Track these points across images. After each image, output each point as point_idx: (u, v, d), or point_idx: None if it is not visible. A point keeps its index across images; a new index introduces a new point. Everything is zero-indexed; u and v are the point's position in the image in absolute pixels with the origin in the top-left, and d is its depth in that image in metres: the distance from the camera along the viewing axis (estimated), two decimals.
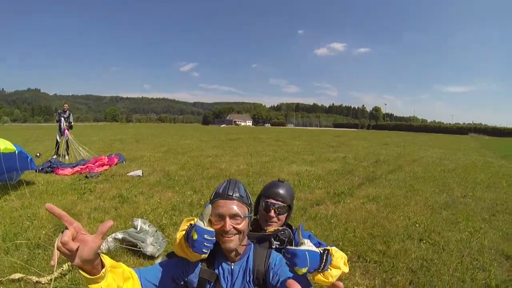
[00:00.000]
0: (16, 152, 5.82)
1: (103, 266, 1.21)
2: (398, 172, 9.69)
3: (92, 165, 8.95)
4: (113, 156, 10.29)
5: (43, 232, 4.19)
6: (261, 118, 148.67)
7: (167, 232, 4.38)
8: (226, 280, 1.71)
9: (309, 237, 2.10)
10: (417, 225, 4.85)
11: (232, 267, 1.72)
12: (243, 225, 1.59)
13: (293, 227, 2.16)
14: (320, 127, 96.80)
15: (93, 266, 1.15)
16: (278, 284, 1.58)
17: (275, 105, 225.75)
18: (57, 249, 1.06)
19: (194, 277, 1.70)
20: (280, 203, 2.10)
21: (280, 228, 2.07)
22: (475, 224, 4.90)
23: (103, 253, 3.23)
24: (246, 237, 1.71)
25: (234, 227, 1.56)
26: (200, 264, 1.71)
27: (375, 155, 13.88)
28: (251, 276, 1.68)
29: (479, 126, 70.46)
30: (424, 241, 4.24)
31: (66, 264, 3.23)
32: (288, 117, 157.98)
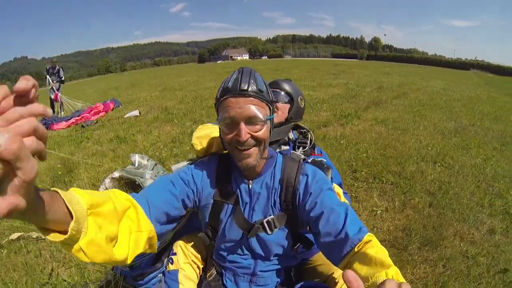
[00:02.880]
0: None
1: (70, 214, 0.68)
2: (403, 98, 9.40)
3: (87, 114, 8.57)
4: (108, 102, 9.85)
5: (40, 186, 3.89)
6: (258, 52, 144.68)
7: (168, 165, 4.12)
8: (243, 203, 1.28)
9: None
10: (429, 148, 4.67)
11: (250, 185, 1.26)
12: (263, 132, 1.10)
13: (310, 133, 1.85)
14: (319, 57, 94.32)
15: (52, 215, 0.64)
16: (321, 221, 1.10)
17: (271, 38, 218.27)
18: None
19: (209, 199, 1.28)
20: (279, 91, 1.88)
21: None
22: (487, 151, 4.71)
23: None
24: (267, 149, 1.25)
25: (252, 135, 1.08)
26: (215, 181, 1.27)
27: (377, 82, 13.45)
28: (278, 199, 1.25)
29: (482, 63, 68.27)
30: (439, 164, 4.07)
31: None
32: (285, 48, 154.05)
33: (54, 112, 10.23)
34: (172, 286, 1.42)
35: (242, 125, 1.06)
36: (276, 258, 1.36)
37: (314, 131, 5.39)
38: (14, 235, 2.76)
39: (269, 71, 20.59)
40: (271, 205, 1.26)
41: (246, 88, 1.08)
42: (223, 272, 1.44)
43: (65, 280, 2.17)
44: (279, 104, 1.85)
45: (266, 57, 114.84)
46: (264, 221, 1.24)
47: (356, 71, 20.15)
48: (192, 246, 1.53)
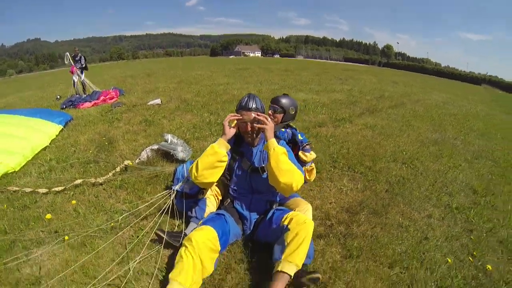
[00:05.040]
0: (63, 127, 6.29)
1: None
2: (399, 108, 10.06)
3: (104, 98, 9.64)
4: (115, 89, 10.84)
5: (90, 151, 4.85)
6: (270, 50, 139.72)
7: (192, 144, 5.12)
8: (248, 157, 2.47)
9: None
10: (404, 152, 5.38)
11: (252, 150, 2.49)
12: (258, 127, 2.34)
13: (296, 130, 3.24)
14: (330, 60, 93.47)
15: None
16: None
17: (284, 37, 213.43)
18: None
19: (229, 158, 2.45)
20: (276, 106, 3.13)
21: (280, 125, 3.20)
22: (456, 161, 5.31)
23: (142, 161, 4.19)
24: (261, 132, 2.44)
25: (252, 128, 2.37)
26: (232, 148, 2.44)
27: (380, 91, 14.00)
28: (266, 155, 2.40)
29: (494, 79, 66.22)
30: (406, 165, 4.82)
31: (118, 167, 3.94)
32: (298, 49, 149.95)
33: (77, 93, 11.26)
34: (202, 207, 2.64)
35: (249, 124, 2.36)
36: (265, 193, 2.54)
37: (309, 129, 6.31)
38: (78, 181, 3.61)
39: (279, 71, 21.20)
40: (263, 160, 2.46)
41: (250, 106, 2.35)
42: (234, 200, 2.61)
43: (124, 210, 3.13)
44: (276, 114, 3.13)
45: (278, 55, 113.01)
46: (259, 167, 2.43)
47: (364, 78, 20.66)
48: (215, 185, 2.73)
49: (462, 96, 19.44)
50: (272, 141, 2.29)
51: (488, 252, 2.94)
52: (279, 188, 2.30)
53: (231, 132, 2.34)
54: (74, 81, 11.63)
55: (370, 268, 2.47)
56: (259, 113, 2.35)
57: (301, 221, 2.13)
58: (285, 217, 2.25)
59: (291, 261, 2.02)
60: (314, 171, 3.26)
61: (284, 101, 3.16)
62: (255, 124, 2.33)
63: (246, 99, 2.40)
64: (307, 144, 3.10)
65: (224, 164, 2.35)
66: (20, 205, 3.27)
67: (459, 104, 13.86)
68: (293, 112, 3.20)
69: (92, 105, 9.03)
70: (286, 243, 2.09)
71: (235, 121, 2.36)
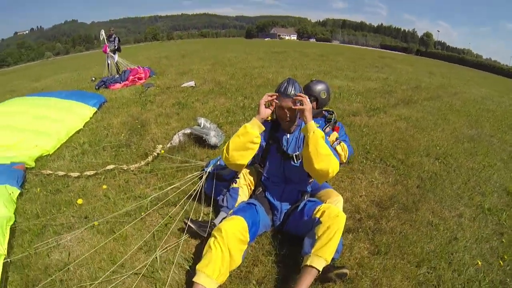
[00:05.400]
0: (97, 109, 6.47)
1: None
2: (435, 100, 9.64)
3: (133, 77, 9.72)
4: (145, 68, 10.85)
5: (122, 135, 4.97)
6: (306, 33, 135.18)
7: (224, 128, 5.15)
8: (283, 144, 2.44)
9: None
10: (438, 147, 5.23)
11: (288, 136, 2.44)
12: (295, 113, 2.35)
13: (334, 113, 3.30)
14: (367, 46, 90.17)
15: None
16: None
17: (321, 20, 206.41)
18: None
19: (263, 141, 2.42)
20: (309, 95, 3.07)
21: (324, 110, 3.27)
22: (492, 160, 5.07)
23: (174, 145, 4.35)
24: (298, 119, 2.41)
25: (289, 115, 2.33)
26: (269, 133, 2.46)
27: (417, 81, 13.41)
28: (301, 142, 2.41)
29: None
30: (440, 161, 4.70)
31: (151, 157, 4.04)
32: (334, 33, 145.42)
33: (111, 74, 11.40)
34: (234, 197, 2.63)
35: (286, 110, 2.32)
36: (298, 183, 2.53)
37: (343, 118, 6.21)
38: (109, 166, 3.77)
39: (315, 56, 20.73)
40: (298, 147, 2.43)
41: (289, 92, 2.29)
42: (266, 189, 2.60)
43: (151, 196, 3.18)
44: (312, 104, 3.08)
45: (314, 39, 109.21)
46: (293, 154, 2.40)
47: (400, 67, 19.92)
48: (249, 174, 2.70)
49: (502, 92, 18.11)
50: (312, 124, 2.23)
51: None
52: (314, 173, 2.27)
53: (266, 112, 2.30)
54: (108, 63, 11.86)
55: (397, 266, 2.46)
56: (298, 94, 2.29)
57: (333, 215, 2.11)
58: (317, 209, 2.22)
59: (321, 256, 2.01)
60: (342, 151, 3.25)
61: (313, 87, 3.12)
62: (293, 106, 2.27)
63: (285, 84, 2.33)
64: (326, 127, 3.08)
65: (256, 147, 2.31)
66: (53, 189, 3.42)
67: (498, 100, 12.85)
68: (325, 96, 3.16)
69: (122, 86, 9.23)
70: (316, 237, 2.07)
71: (273, 104, 2.34)
